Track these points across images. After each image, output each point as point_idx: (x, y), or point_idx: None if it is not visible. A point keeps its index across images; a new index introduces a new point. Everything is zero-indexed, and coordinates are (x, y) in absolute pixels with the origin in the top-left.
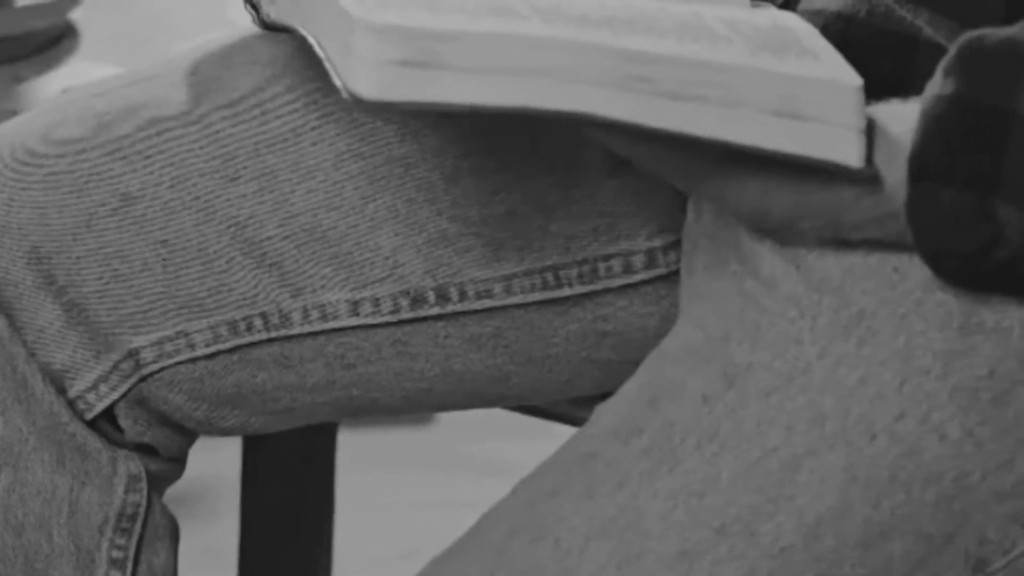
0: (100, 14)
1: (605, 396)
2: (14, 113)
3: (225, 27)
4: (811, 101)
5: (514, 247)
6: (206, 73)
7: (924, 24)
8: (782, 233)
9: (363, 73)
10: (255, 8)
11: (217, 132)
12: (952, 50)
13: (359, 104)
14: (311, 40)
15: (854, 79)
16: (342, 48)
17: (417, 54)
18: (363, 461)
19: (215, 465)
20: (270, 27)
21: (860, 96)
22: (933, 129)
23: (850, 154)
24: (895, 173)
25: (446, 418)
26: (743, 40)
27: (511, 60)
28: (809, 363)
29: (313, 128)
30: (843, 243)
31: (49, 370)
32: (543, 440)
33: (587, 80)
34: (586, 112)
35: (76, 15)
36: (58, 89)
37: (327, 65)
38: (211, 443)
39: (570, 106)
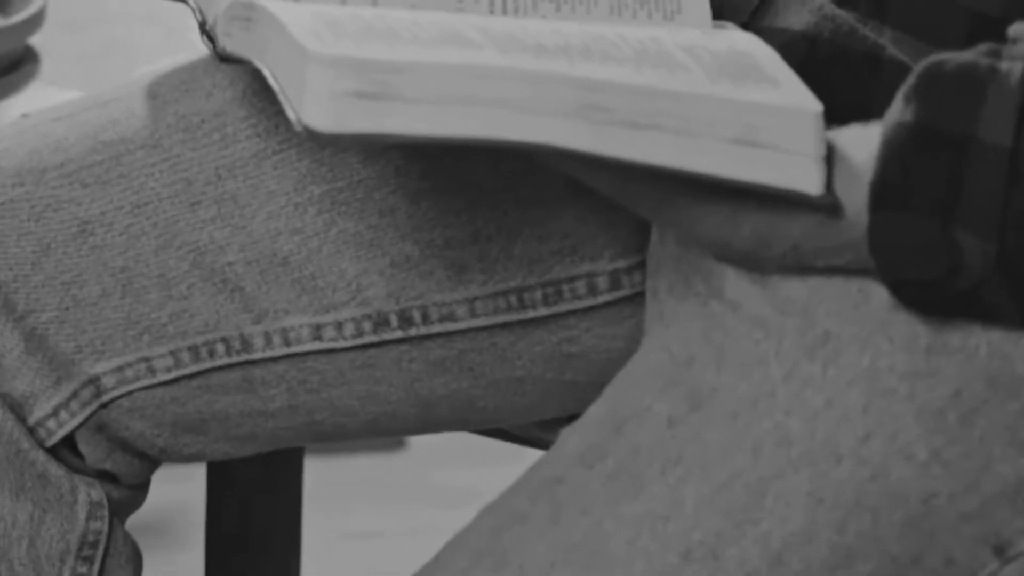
0: (60, 37)
1: (572, 419)
2: None
3: (186, 50)
4: (770, 129)
5: (478, 269)
6: (166, 97)
7: (888, 43)
8: (744, 261)
9: (316, 105)
10: (211, 40)
11: (177, 156)
12: (911, 76)
13: (313, 137)
14: (265, 72)
15: (814, 105)
16: (296, 80)
17: (370, 85)
18: (330, 488)
19: (180, 493)
20: (226, 59)
21: (820, 123)
22: (893, 157)
23: (810, 182)
24: (856, 201)
25: (415, 444)
26: (701, 67)
27: (465, 90)
28: (775, 385)
29: (275, 152)
30: (806, 269)
31: (8, 398)
32: (513, 466)
33: (542, 110)
34: (542, 142)
35: (36, 39)
36: (17, 114)
37: (281, 98)
38: (177, 471)
39: (526, 136)
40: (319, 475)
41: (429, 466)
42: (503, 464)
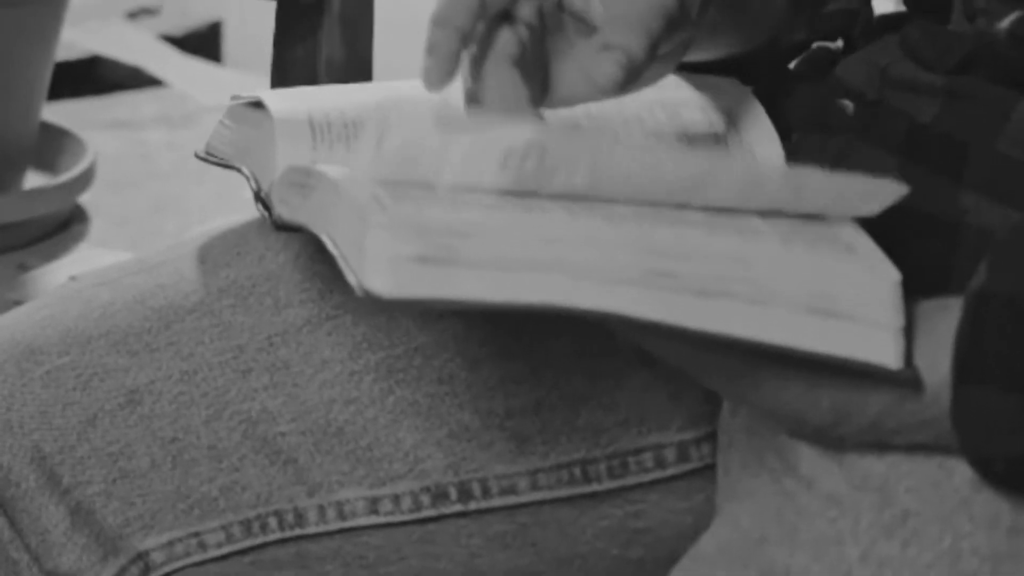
0: (110, 197)
1: None
2: (18, 303)
3: (238, 210)
4: (846, 298)
5: (540, 440)
6: (216, 261)
7: (969, 207)
8: (820, 437)
9: (377, 270)
10: (266, 207)
11: (228, 323)
12: (994, 243)
13: (375, 302)
14: (324, 238)
15: (892, 274)
16: (356, 245)
17: (433, 249)
18: None
19: None
20: (282, 227)
21: (898, 292)
22: (976, 328)
23: (888, 355)
24: (937, 375)
25: None
26: (775, 230)
27: (529, 255)
28: (851, 566)
29: (329, 318)
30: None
31: (55, 575)
32: None
33: (608, 276)
34: (607, 310)
35: (85, 198)
36: (64, 277)
37: (340, 263)
38: None
39: (591, 304)
40: None
41: None
42: None
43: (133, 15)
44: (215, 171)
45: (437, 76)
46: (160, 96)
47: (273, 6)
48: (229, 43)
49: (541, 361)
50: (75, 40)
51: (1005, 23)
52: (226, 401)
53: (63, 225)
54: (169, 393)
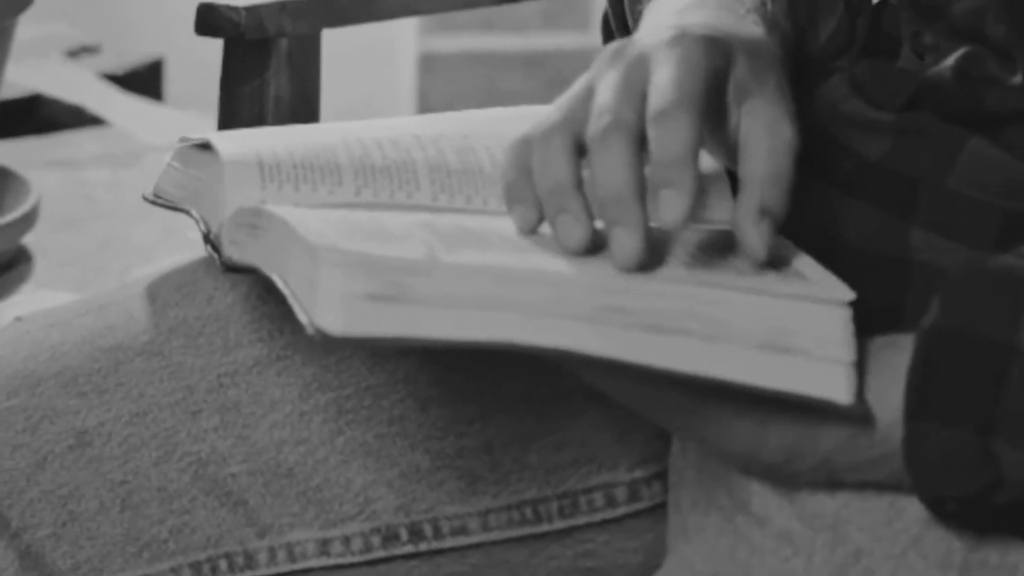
0: (55, 237)
1: None
2: None
3: (184, 249)
4: (798, 333)
5: (491, 480)
6: (165, 300)
7: (920, 245)
8: (771, 474)
9: (329, 308)
10: (216, 250)
11: (178, 364)
12: (946, 280)
13: (326, 340)
14: (275, 278)
15: (844, 309)
16: (307, 283)
17: (384, 287)
18: None
19: None
20: (232, 268)
21: (850, 327)
22: (928, 365)
23: (840, 390)
24: (889, 412)
25: None
26: (731, 266)
27: (481, 293)
28: None
29: (279, 358)
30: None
31: None
32: None
33: (560, 313)
34: (559, 347)
35: (29, 239)
36: (10, 318)
37: (291, 302)
38: None
39: (543, 341)
40: None
41: None
42: None
43: (74, 53)
44: (159, 210)
45: (533, 224)
46: (102, 135)
47: (216, 44)
48: (171, 81)
49: (491, 401)
50: (15, 78)
51: (952, 60)
52: (176, 442)
53: (7, 266)
54: (119, 435)
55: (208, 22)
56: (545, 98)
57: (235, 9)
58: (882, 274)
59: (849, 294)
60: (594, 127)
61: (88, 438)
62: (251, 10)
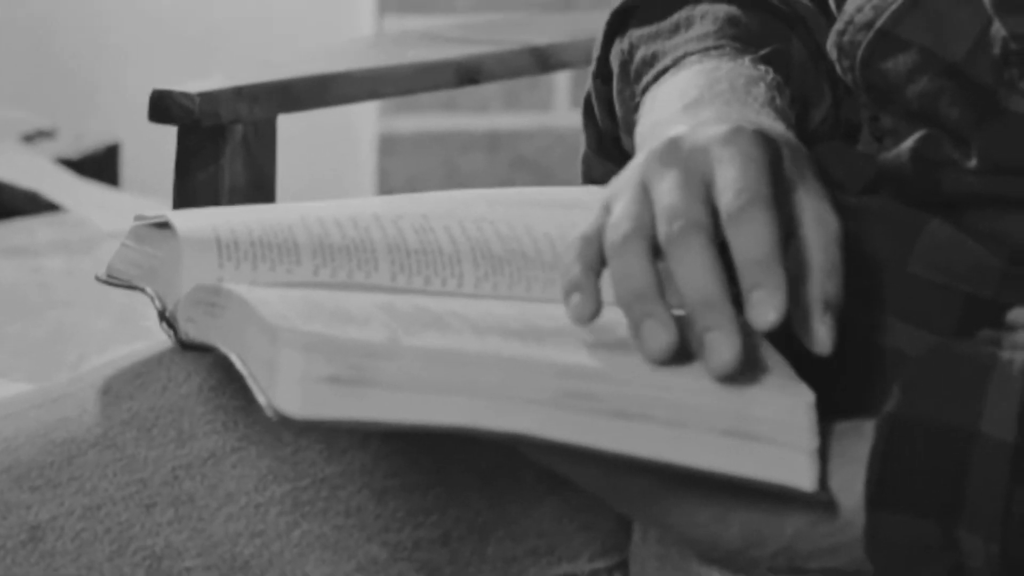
0: (8, 326)
1: None
2: None
3: (140, 338)
4: (762, 420)
5: (449, 572)
6: (119, 392)
7: (883, 329)
8: (732, 561)
9: (288, 390)
10: (172, 327)
11: (131, 456)
12: (909, 366)
13: (284, 423)
14: (233, 358)
15: (807, 395)
16: (266, 364)
17: (345, 370)
18: None
19: None
20: (188, 346)
21: (813, 414)
22: (890, 453)
23: (803, 477)
24: (852, 499)
25: None
26: (691, 350)
27: (443, 377)
28: None
29: (234, 450)
30: (798, 571)
31: None
32: None
33: (522, 398)
34: (520, 432)
35: None
36: None
37: (250, 383)
38: None
39: (503, 426)
40: None
41: None
42: None
43: (29, 138)
44: (116, 298)
45: (588, 317)
46: (58, 221)
47: (172, 129)
48: (127, 166)
49: (448, 491)
50: None
51: (910, 143)
52: (130, 536)
53: None
54: (71, 529)
55: (162, 109)
56: (507, 178)
57: (189, 96)
58: (845, 357)
59: (810, 395)
60: (669, 230)
61: (41, 533)
62: (206, 96)
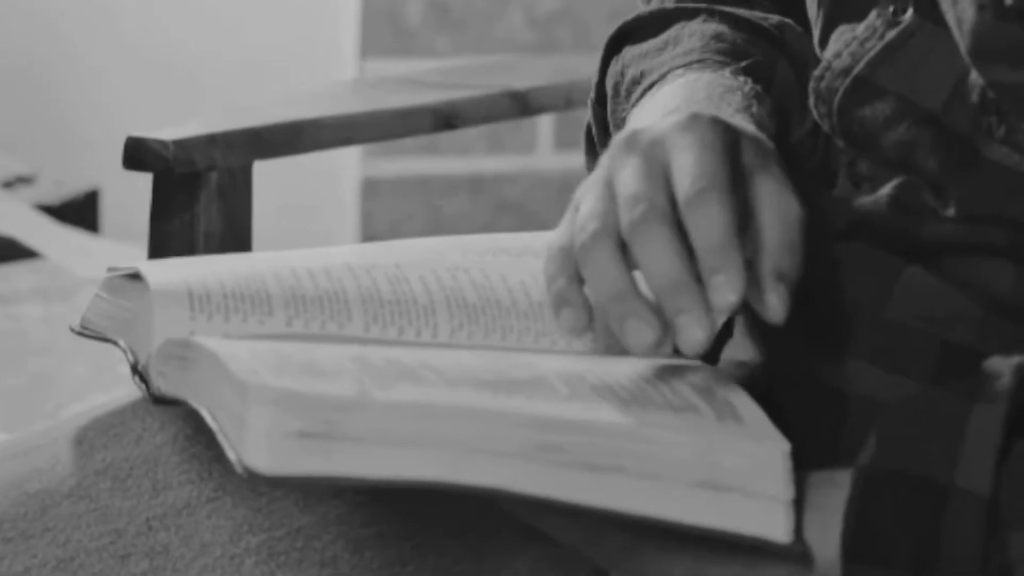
0: None
1: None
2: None
3: (116, 386)
4: (735, 470)
5: None
6: (93, 443)
7: (855, 376)
8: None
9: (258, 446)
10: (144, 381)
11: (106, 507)
12: (885, 415)
13: (255, 479)
14: (204, 412)
15: (781, 445)
16: (236, 420)
17: (314, 425)
18: None
19: None
20: (160, 400)
21: (788, 464)
22: (864, 505)
23: (778, 529)
24: (827, 551)
25: None
26: (664, 401)
27: (414, 430)
28: None
29: (208, 500)
30: None
31: None
32: None
33: (492, 450)
34: (493, 486)
35: None
36: None
37: (220, 438)
38: None
39: (474, 480)
40: None
41: None
42: None
43: (8, 184)
44: (93, 346)
45: (582, 327)
46: (36, 268)
47: (151, 175)
48: (107, 212)
49: (426, 541)
50: None
51: (888, 189)
52: None
53: None
54: None
55: (137, 156)
56: (490, 222)
57: (164, 143)
58: (817, 405)
59: (785, 444)
60: (630, 218)
61: None
62: (180, 144)
